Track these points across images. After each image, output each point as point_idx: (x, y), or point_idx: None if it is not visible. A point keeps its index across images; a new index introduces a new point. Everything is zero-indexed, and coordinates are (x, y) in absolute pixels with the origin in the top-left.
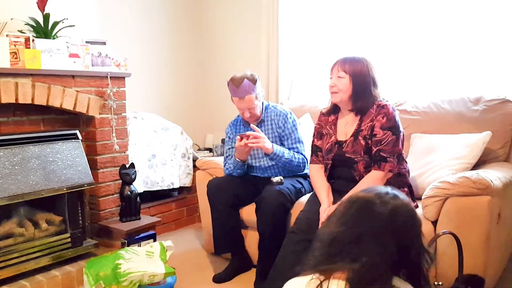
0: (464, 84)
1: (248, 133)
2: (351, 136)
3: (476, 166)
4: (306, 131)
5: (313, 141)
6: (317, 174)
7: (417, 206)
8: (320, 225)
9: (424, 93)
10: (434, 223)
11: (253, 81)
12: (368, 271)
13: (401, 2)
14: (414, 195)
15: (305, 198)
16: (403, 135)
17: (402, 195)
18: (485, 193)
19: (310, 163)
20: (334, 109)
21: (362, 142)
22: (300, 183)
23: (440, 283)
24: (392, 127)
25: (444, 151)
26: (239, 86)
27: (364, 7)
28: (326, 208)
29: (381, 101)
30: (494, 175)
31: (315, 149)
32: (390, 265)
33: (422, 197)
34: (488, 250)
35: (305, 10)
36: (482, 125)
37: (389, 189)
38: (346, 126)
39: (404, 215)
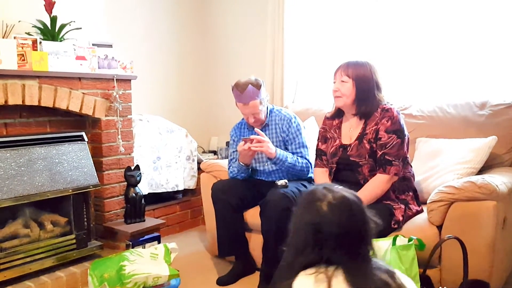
0: (470, 88)
1: (252, 137)
2: (355, 140)
3: (481, 171)
4: (311, 135)
5: (317, 145)
6: (321, 177)
7: (422, 211)
8: None
9: (429, 97)
10: (439, 227)
11: (258, 86)
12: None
13: (406, 6)
14: (419, 199)
15: None
16: (408, 138)
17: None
18: (490, 198)
19: (314, 167)
20: (338, 113)
21: (367, 146)
22: (305, 186)
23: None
24: (397, 130)
25: (449, 155)
26: (244, 92)
27: (370, 10)
28: None
29: (385, 104)
30: (499, 180)
31: (319, 153)
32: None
33: (427, 202)
34: (493, 255)
35: (311, 14)
36: (487, 129)
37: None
38: (351, 130)
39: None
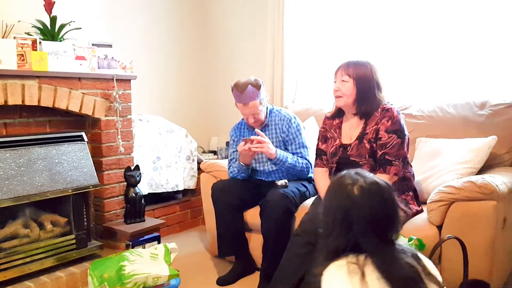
0: (470, 88)
1: (252, 137)
2: (355, 140)
3: (481, 171)
4: (311, 135)
5: (317, 145)
6: (321, 177)
7: (422, 211)
8: None
9: (429, 97)
10: (439, 227)
11: (257, 86)
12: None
13: (406, 6)
14: (419, 199)
15: (309, 202)
16: (408, 138)
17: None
18: (490, 198)
19: (314, 167)
20: (339, 113)
21: (367, 146)
22: (305, 186)
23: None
24: (397, 130)
25: (449, 155)
26: (243, 93)
27: (370, 10)
28: None
29: (385, 104)
30: (499, 179)
31: (319, 153)
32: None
33: (427, 202)
34: (493, 255)
35: (311, 14)
36: (487, 129)
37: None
38: (351, 129)
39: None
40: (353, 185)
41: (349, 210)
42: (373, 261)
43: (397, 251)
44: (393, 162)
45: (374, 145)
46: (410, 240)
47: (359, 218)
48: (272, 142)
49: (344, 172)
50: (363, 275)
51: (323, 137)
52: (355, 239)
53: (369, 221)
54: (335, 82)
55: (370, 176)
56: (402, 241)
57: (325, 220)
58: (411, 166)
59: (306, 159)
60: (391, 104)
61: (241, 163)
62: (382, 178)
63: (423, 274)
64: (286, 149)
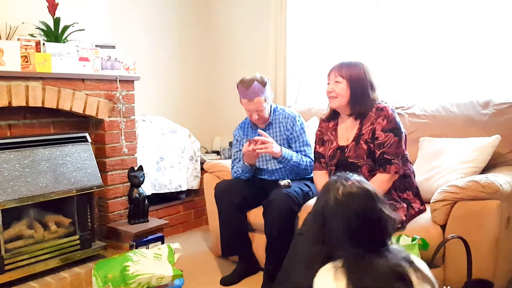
0: (473, 87)
1: (256, 138)
2: (352, 141)
3: (485, 170)
4: (313, 135)
5: (315, 148)
6: (321, 179)
7: (425, 209)
8: None
9: (432, 96)
10: (443, 227)
11: (263, 83)
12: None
13: (410, 6)
14: (420, 197)
15: (312, 201)
16: (405, 135)
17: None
18: (494, 197)
19: (314, 170)
20: (334, 115)
21: (364, 146)
22: (308, 186)
23: (448, 287)
24: (393, 128)
25: (452, 154)
26: (249, 88)
27: (373, 10)
28: None
29: (379, 103)
30: (503, 179)
31: (317, 156)
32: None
33: (431, 201)
34: (497, 254)
35: (313, 13)
36: (491, 128)
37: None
38: (347, 131)
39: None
40: (333, 191)
41: (326, 218)
42: (344, 269)
43: (379, 258)
44: (392, 160)
45: (371, 145)
46: (413, 239)
47: (333, 227)
48: (276, 140)
49: (332, 177)
50: (349, 278)
51: (320, 140)
52: (331, 250)
53: (342, 231)
54: (328, 83)
55: (352, 184)
56: (403, 241)
57: (309, 229)
58: (410, 163)
59: (309, 157)
60: (385, 103)
61: (246, 163)
62: (370, 183)
63: (414, 276)
64: (289, 147)
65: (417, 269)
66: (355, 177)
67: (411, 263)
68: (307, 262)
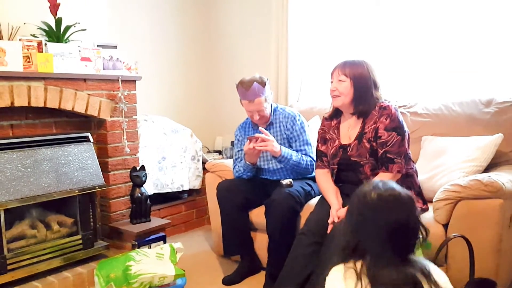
0: (475, 86)
1: (256, 135)
2: (355, 140)
3: (487, 169)
4: (315, 134)
5: (317, 146)
6: (323, 178)
7: (427, 209)
8: (329, 226)
9: (435, 95)
10: (445, 226)
11: (262, 84)
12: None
13: (411, 4)
14: (423, 196)
15: (314, 201)
16: (408, 134)
17: (398, 187)
18: (496, 196)
19: (316, 169)
20: (336, 113)
21: (367, 145)
22: (310, 185)
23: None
24: (396, 127)
25: (455, 153)
26: (249, 89)
27: (375, 9)
28: (338, 209)
29: (382, 102)
30: (506, 178)
31: (320, 154)
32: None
33: (433, 200)
34: (499, 253)
35: (315, 13)
36: (493, 127)
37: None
38: (349, 129)
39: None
40: (377, 189)
41: (364, 215)
42: (367, 268)
43: (397, 267)
44: (395, 159)
45: (374, 144)
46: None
47: (368, 224)
48: (277, 140)
49: (365, 187)
50: (359, 279)
51: (322, 139)
52: (362, 243)
53: (377, 230)
54: (331, 82)
55: (391, 185)
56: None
57: (346, 223)
58: (413, 162)
59: (310, 156)
60: (388, 102)
61: (247, 162)
62: (397, 184)
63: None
64: (290, 147)
65: (434, 283)
66: (390, 182)
67: (428, 276)
68: (338, 258)
